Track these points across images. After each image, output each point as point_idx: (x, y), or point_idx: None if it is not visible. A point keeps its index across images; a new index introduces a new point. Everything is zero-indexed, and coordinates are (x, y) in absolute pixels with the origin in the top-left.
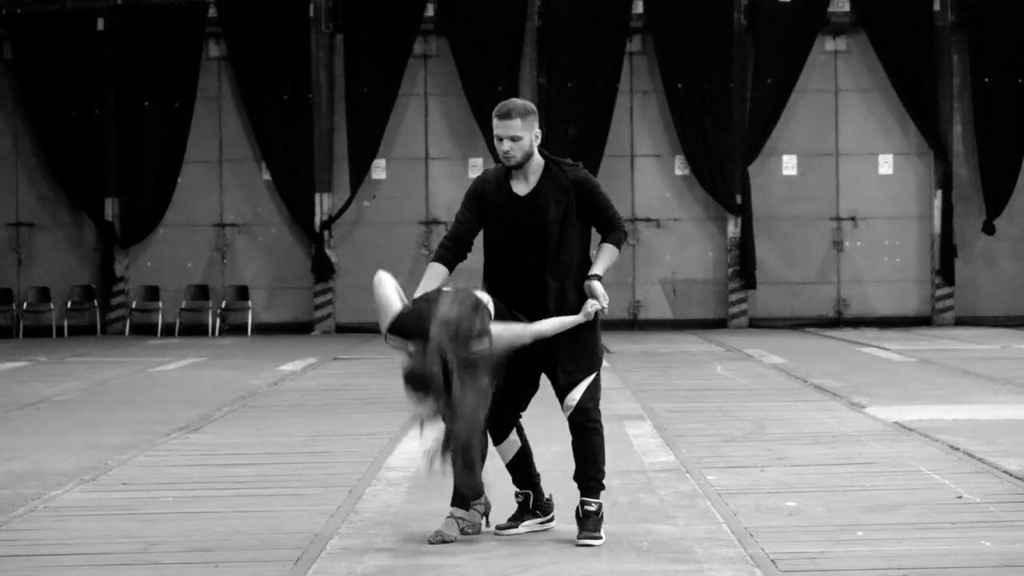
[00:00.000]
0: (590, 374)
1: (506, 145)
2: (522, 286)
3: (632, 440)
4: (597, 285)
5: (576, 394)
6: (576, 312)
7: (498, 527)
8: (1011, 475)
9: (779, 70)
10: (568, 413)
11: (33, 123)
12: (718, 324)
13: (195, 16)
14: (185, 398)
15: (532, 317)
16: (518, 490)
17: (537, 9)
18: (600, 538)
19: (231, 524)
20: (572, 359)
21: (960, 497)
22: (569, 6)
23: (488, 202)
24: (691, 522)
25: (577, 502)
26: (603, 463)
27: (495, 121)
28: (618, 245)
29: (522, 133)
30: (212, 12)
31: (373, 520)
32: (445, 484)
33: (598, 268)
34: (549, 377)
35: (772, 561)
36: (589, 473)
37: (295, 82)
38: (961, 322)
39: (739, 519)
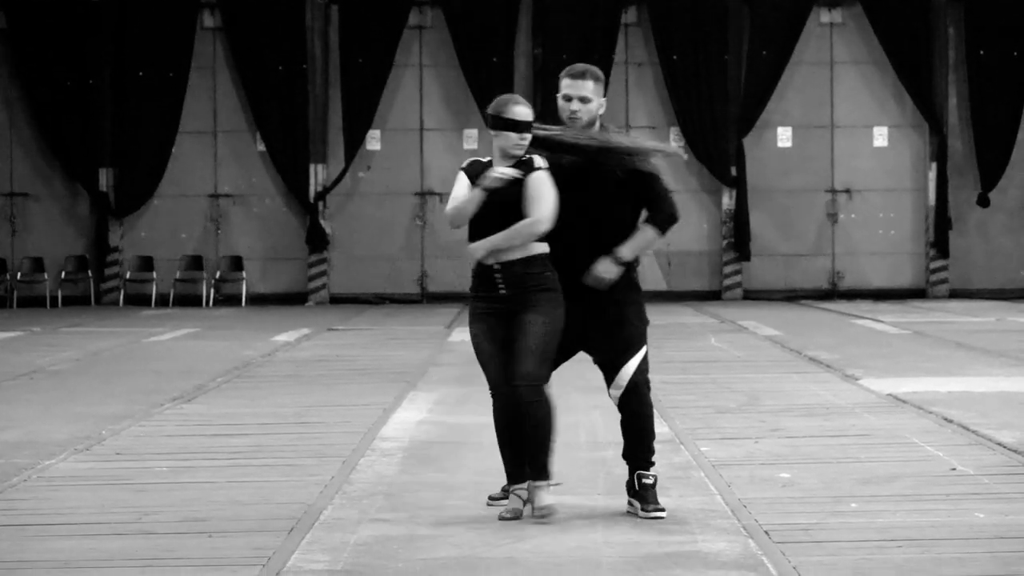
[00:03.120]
0: (636, 352)
1: (575, 105)
2: (573, 257)
3: None
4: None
5: (624, 376)
6: (620, 285)
7: (491, 497)
8: (1005, 447)
9: (774, 42)
10: (618, 393)
11: (28, 93)
12: (712, 296)
13: None
14: (179, 368)
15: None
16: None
17: None
18: (663, 509)
19: (225, 494)
20: (609, 339)
21: (954, 469)
22: None
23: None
24: (685, 493)
25: (630, 476)
26: (653, 439)
27: (566, 80)
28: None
29: (592, 96)
30: None
31: (367, 491)
32: (438, 455)
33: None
34: (591, 355)
35: (766, 532)
36: (641, 453)
37: (290, 53)
38: (955, 295)
39: (733, 490)
